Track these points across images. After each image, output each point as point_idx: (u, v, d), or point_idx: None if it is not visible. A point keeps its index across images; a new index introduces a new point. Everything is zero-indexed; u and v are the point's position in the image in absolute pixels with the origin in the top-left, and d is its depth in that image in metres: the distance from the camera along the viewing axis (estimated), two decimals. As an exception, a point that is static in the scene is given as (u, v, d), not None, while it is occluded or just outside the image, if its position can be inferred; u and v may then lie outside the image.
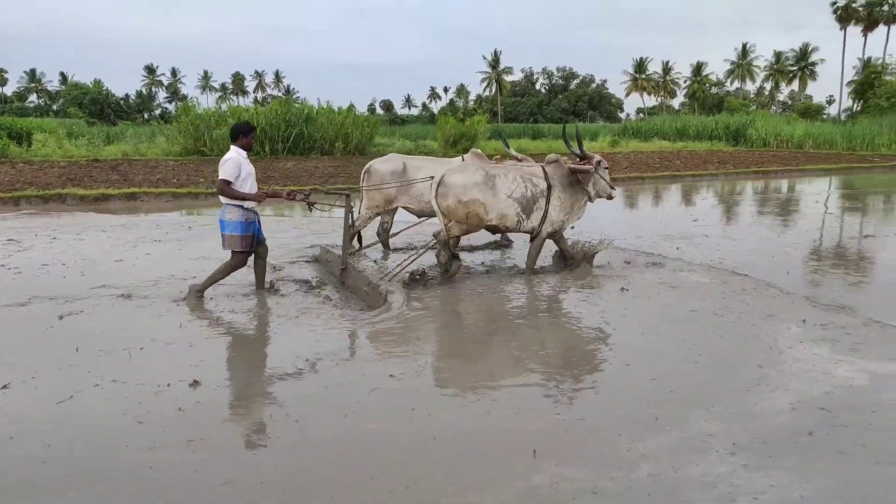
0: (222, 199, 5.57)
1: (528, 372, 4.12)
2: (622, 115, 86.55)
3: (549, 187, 6.45)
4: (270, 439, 3.27)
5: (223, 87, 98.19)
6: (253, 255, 5.84)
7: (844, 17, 57.81)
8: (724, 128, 36.17)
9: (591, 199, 6.75)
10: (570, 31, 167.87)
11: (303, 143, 23.49)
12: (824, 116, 56.90)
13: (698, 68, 74.66)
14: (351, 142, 24.50)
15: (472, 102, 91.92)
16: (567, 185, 6.54)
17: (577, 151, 6.59)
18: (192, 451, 3.08)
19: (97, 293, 5.76)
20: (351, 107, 26.38)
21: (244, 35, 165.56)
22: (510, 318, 5.32)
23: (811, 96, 75.45)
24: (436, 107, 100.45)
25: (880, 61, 54.13)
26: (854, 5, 56.84)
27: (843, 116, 55.41)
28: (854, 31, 58.58)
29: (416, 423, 3.38)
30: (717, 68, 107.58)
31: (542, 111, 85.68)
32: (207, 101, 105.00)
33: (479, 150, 7.98)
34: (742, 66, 73.51)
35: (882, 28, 56.91)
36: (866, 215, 12.14)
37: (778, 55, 71.90)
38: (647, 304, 5.62)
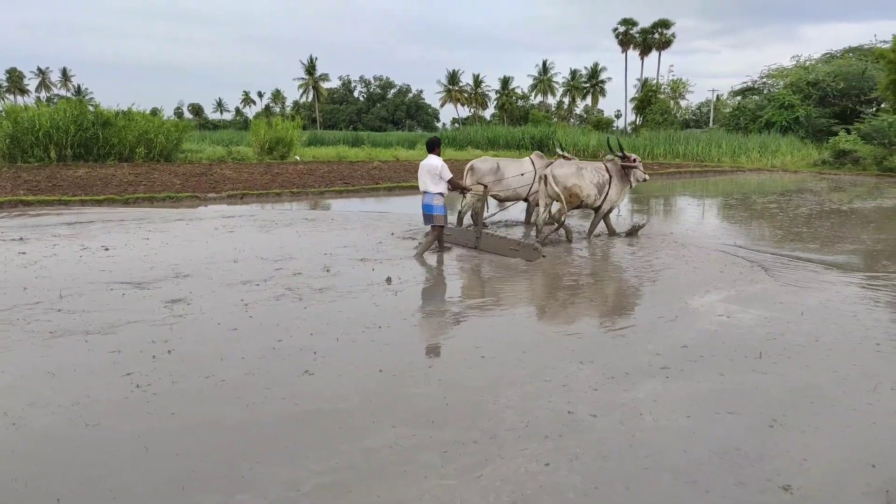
0: (431, 189, 7.84)
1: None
2: (438, 125, 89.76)
3: (610, 178, 9.27)
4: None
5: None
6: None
7: (624, 41, 65.70)
8: (529, 138, 39.17)
9: (631, 186, 9.60)
10: (384, 42, 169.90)
11: (97, 149, 21.19)
12: (613, 128, 63.79)
13: (506, 82, 79.13)
14: (155, 147, 22.65)
15: (289, 108, 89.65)
16: (620, 177, 9.43)
17: (621, 154, 9.40)
18: None
19: None
20: (155, 110, 24.36)
21: (23, 30, 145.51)
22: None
23: (602, 110, 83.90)
24: (251, 112, 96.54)
25: (655, 81, 62.11)
26: (632, 32, 64.67)
27: (629, 129, 62.62)
28: (634, 54, 66.75)
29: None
30: (522, 83, 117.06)
31: (361, 119, 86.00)
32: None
33: (539, 152, 10.92)
34: (543, 81, 79.73)
35: (655, 53, 65.52)
36: (650, 216, 13.76)
37: (573, 73, 79.05)
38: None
